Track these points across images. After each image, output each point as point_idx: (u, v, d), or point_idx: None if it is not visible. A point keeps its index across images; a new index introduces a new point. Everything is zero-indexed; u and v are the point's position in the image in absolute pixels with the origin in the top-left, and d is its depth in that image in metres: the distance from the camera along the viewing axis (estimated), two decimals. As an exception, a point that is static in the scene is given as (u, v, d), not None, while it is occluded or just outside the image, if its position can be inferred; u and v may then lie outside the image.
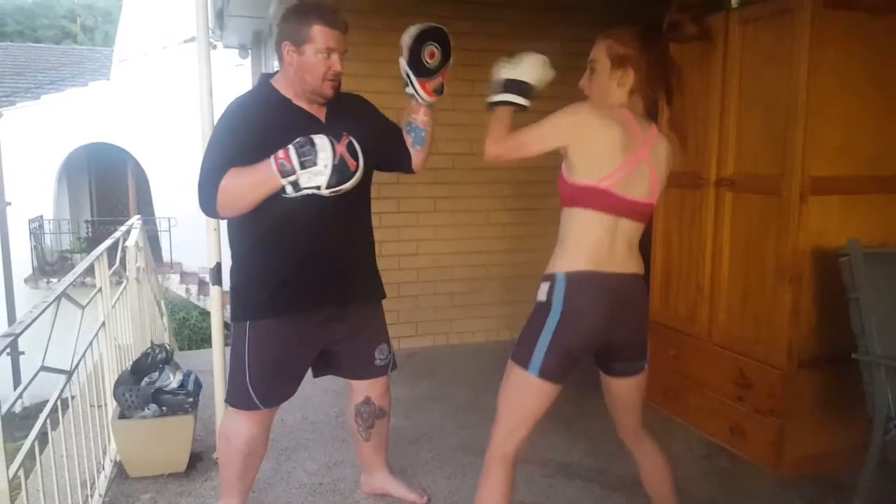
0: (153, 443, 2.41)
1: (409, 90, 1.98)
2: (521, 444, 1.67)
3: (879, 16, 2.38)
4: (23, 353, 7.07)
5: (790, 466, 2.48)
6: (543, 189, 3.80)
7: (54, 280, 9.71)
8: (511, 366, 1.66)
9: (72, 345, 2.09)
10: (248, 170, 1.75)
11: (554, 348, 1.59)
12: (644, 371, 1.76)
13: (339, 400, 3.09)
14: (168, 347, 2.67)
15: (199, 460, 2.55)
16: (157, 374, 2.50)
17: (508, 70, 1.67)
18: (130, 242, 3.26)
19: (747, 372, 2.61)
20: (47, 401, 1.85)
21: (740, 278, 2.67)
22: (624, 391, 1.77)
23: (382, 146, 2.01)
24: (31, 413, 2.72)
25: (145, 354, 2.58)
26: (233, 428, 2.02)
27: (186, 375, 2.55)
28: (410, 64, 1.91)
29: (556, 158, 1.64)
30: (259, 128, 1.82)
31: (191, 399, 2.48)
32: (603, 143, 1.57)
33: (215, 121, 1.93)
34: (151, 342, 3.28)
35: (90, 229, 11.74)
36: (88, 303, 2.30)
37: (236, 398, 1.98)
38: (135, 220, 3.81)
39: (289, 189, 1.73)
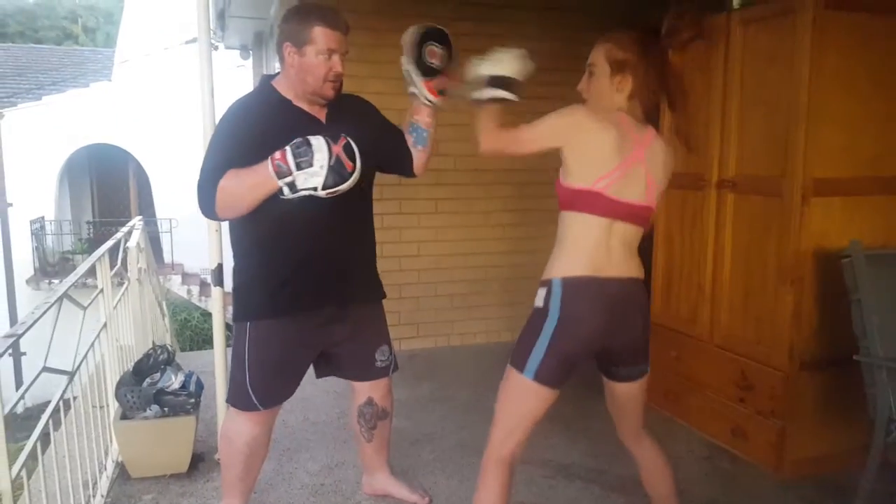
0: (155, 443, 2.41)
1: (412, 90, 1.98)
2: (519, 447, 1.67)
3: (881, 17, 2.38)
4: (24, 354, 7.06)
5: (791, 468, 2.48)
6: (544, 190, 3.79)
7: (56, 281, 9.72)
8: (509, 369, 1.67)
9: (73, 346, 2.09)
10: (246, 171, 1.75)
11: (551, 353, 1.59)
12: (646, 375, 1.76)
13: (341, 401, 3.09)
14: (170, 348, 2.67)
15: (200, 461, 2.55)
16: (158, 374, 2.50)
17: (490, 66, 1.66)
18: (132, 243, 3.27)
19: (749, 373, 2.61)
20: (49, 402, 1.86)
21: (742, 280, 2.67)
22: (626, 394, 1.77)
23: (383, 147, 2.01)
24: (33, 414, 2.73)
25: (147, 355, 2.59)
26: (234, 428, 2.02)
27: (188, 376, 2.56)
28: (413, 63, 1.91)
29: (556, 160, 1.64)
30: (259, 129, 1.82)
31: (192, 400, 2.48)
32: (597, 146, 1.57)
33: (216, 122, 1.93)
34: (153, 343, 3.28)
35: (91, 230, 11.76)
36: (90, 304, 2.31)
37: (237, 399, 1.98)
38: (136, 222, 3.81)
39: (286, 190, 1.73)
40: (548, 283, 1.63)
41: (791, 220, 2.41)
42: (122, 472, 2.47)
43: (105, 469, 2.43)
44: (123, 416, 2.42)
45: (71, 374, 2.01)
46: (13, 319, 9.43)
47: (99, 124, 10.83)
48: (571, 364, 1.63)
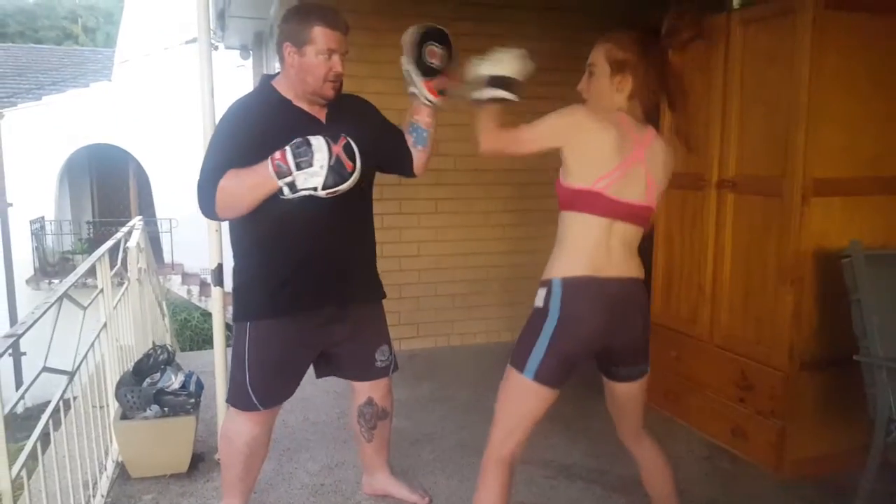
0: (155, 443, 2.41)
1: (412, 90, 1.98)
2: (519, 447, 1.67)
3: (881, 17, 2.38)
4: (24, 353, 7.06)
5: (791, 468, 2.48)
6: (544, 190, 3.79)
7: (56, 281, 9.72)
8: (509, 369, 1.67)
9: (73, 346, 2.09)
10: (246, 171, 1.75)
11: (550, 353, 1.59)
12: (646, 375, 1.76)
13: (341, 401, 3.09)
14: (170, 348, 2.67)
15: (200, 461, 2.55)
16: (158, 374, 2.50)
17: (490, 66, 1.66)
18: (132, 243, 3.27)
19: (749, 373, 2.61)
20: (49, 402, 1.86)
21: (742, 280, 2.67)
22: (626, 394, 1.77)
23: (383, 147, 2.01)
24: (33, 414, 2.73)
25: (147, 355, 2.59)
26: (234, 428, 2.02)
27: (188, 376, 2.56)
28: (413, 63, 1.91)
29: (556, 160, 1.64)
30: (259, 129, 1.82)
31: (192, 400, 2.48)
32: (597, 146, 1.57)
33: (216, 122, 1.93)
34: (153, 343, 3.28)
35: (91, 230, 11.77)
36: (90, 304, 2.31)
37: (237, 399, 1.98)
38: (136, 222, 3.81)
39: (286, 190, 1.73)
40: (548, 284, 1.63)
41: (791, 220, 2.41)
42: (122, 472, 2.47)
43: (105, 469, 2.43)
44: (123, 416, 2.42)
45: (71, 374, 2.01)
46: (13, 319, 9.43)
47: (99, 124, 10.83)
48: (571, 364, 1.63)
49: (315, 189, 1.72)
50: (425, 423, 2.99)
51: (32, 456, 1.67)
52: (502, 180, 4.12)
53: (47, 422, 1.79)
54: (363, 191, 1.95)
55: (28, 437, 1.68)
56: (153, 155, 11.21)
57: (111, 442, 2.56)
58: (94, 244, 9.88)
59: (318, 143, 1.71)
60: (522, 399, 1.64)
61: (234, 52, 7.27)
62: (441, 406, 3.20)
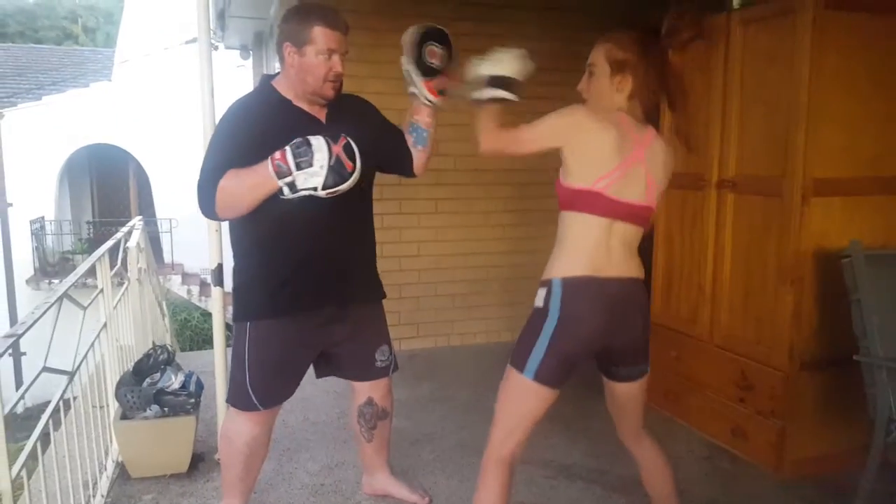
0: (155, 443, 2.41)
1: (412, 90, 1.98)
2: (519, 447, 1.67)
3: (881, 17, 2.38)
4: (24, 353, 7.06)
5: (791, 468, 2.48)
6: (544, 190, 3.79)
7: (56, 281, 9.73)
8: (509, 369, 1.67)
9: (73, 346, 2.09)
10: (246, 171, 1.75)
11: (550, 353, 1.59)
12: (646, 375, 1.76)
13: (341, 401, 3.09)
14: (170, 348, 2.67)
15: (200, 461, 2.55)
16: (158, 374, 2.50)
17: (490, 66, 1.66)
18: (132, 243, 3.27)
19: (749, 373, 2.61)
20: (49, 401, 1.86)
21: (742, 280, 2.67)
22: (625, 394, 1.77)
23: (382, 147, 2.01)
24: (32, 414, 2.73)
25: (147, 355, 2.59)
26: (234, 428, 2.02)
27: (188, 376, 2.56)
28: (413, 63, 1.91)
29: (556, 160, 1.64)
30: (259, 129, 1.82)
31: (192, 400, 2.48)
32: (597, 146, 1.57)
33: (217, 122, 1.93)
34: (153, 343, 3.28)
35: (91, 230, 11.77)
36: (90, 304, 2.31)
37: (237, 399, 1.98)
38: (136, 222, 3.81)
39: (286, 190, 1.73)
40: (548, 284, 1.63)
41: (791, 220, 2.41)
42: (122, 471, 2.47)
43: (105, 469, 2.43)
44: (123, 416, 2.42)
45: (71, 374, 2.01)
46: (13, 319, 9.43)
47: (99, 124, 10.83)
48: (571, 364, 1.63)
49: (315, 189, 1.72)
50: (425, 423, 2.99)
51: (32, 456, 1.67)
52: (502, 180, 4.12)
53: (47, 422, 1.79)
54: (363, 191, 1.95)
55: (28, 437, 1.68)
56: (153, 155, 11.21)
57: (111, 442, 2.56)
58: (94, 244, 9.88)
59: (318, 143, 1.71)
60: (522, 399, 1.64)
61: (235, 52, 7.27)
62: (441, 406, 3.20)
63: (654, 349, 1.84)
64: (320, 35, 1.79)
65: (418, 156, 2.09)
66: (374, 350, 2.11)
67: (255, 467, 2.09)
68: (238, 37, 6.73)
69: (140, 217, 4.21)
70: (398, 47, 1.94)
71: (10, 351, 1.53)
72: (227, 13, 5.71)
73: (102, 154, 11.48)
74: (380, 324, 2.15)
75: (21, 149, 10.27)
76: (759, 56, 2.54)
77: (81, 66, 13.71)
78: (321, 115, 1.91)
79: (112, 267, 2.77)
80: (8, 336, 1.57)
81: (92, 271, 2.50)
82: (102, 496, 2.29)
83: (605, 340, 1.65)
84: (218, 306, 2.55)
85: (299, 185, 1.72)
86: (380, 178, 2.07)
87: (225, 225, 2.02)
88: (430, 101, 1.98)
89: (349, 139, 1.74)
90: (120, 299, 2.81)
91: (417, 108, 2.03)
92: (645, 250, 1.75)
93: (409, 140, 2.07)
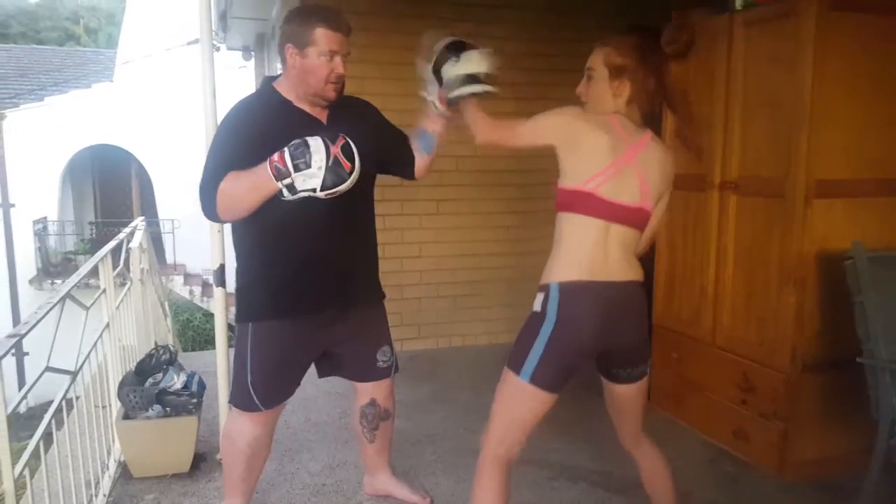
0: (157, 443, 2.41)
1: (428, 97, 1.98)
2: (515, 449, 1.67)
3: (883, 19, 2.38)
4: (27, 354, 7.07)
5: (794, 470, 2.47)
6: (545, 192, 3.78)
7: (58, 281, 9.74)
8: (506, 371, 1.67)
9: (76, 346, 2.10)
10: (246, 173, 1.75)
11: (547, 357, 1.59)
12: (645, 376, 1.76)
13: (342, 401, 3.09)
14: (172, 349, 2.68)
15: (202, 461, 2.55)
16: (161, 375, 2.51)
17: (463, 66, 1.78)
18: (134, 244, 3.27)
19: (751, 375, 2.60)
20: (52, 401, 1.86)
21: (744, 281, 2.66)
22: (625, 396, 1.77)
23: (384, 149, 2.01)
24: (35, 413, 2.73)
25: (149, 355, 2.59)
26: (236, 429, 2.02)
27: (190, 376, 2.56)
28: (436, 72, 1.90)
29: (557, 161, 1.64)
30: (260, 130, 1.82)
31: (194, 400, 2.48)
32: (588, 146, 1.58)
33: (218, 123, 1.93)
34: (155, 343, 3.29)
35: (94, 231, 11.79)
36: (93, 304, 2.31)
37: (239, 399, 1.98)
38: (138, 222, 3.81)
39: (285, 192, 1.73)
40: (545, 288, 1.63)
41: (794, 222, 2.40)
42: (124, 471, 2.48)
43: (107, 469, 2.44)
44: (126, 416, 2.42)
45: (73, 374, 2.01)
46: (16, 319, 9.45)
47: (101, 125, 10.85)
48: (568, 368, 1.62)
49: (314, 190, 1.72)
50: (426, 423, 2.99)
51: (35, 455, 1.67)
52: (504, 181, 4.12)
53: (50, 421, 1.79)
54: (364, 192, 1.95)
55: (31, 436, 1.68)
56: (155, 155, 11.23)
57: (113, 441, 2.56)
58: (96, 245, 9.89)
59: (315, 144, 1.71)
60: (518, 401, 1.65)
61: (236, 54, 7.28)
62: (442, 407, 3.20)
63: (656, 350, 1.85)
64: (322, 36, 1.79)
65: (422, 161, 2.10)
66: (375, 350, 2.11)
67: (256, 467, 2.09)
68: (240, 38, 6.74)
69: (142, 217, 4.22)
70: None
71: (13, 351, 1.53)
72: (229, 14, 5.72)
73: (105, 155, 11.50)
74: (381, 324, 2.15)
75: (23, 149, 10.29)
76: (762, 58, 2.53)
77: (83, 66, 13.73)
78: (322, 116, 1.91)
79: (115, 267, 2.77)
80: (11, 336, 1.58)
81: (94, 272, 2.50)
82: (104, 496, 2.29)
83: (601, 344, 1.64)
84: (220, 307, 2.55)
85: (298, 186, 1.72)
86: (381, 179, 2.07)
87: (227, 225, 2.02)
88: (440, 110, 1.98)
89: (347, 139, 1.74)
90: (122, 300, 2.81)
91: (430, 116, 2.04)
92: (646, 252, 1.75)
93: (416, 145, 2.07)
